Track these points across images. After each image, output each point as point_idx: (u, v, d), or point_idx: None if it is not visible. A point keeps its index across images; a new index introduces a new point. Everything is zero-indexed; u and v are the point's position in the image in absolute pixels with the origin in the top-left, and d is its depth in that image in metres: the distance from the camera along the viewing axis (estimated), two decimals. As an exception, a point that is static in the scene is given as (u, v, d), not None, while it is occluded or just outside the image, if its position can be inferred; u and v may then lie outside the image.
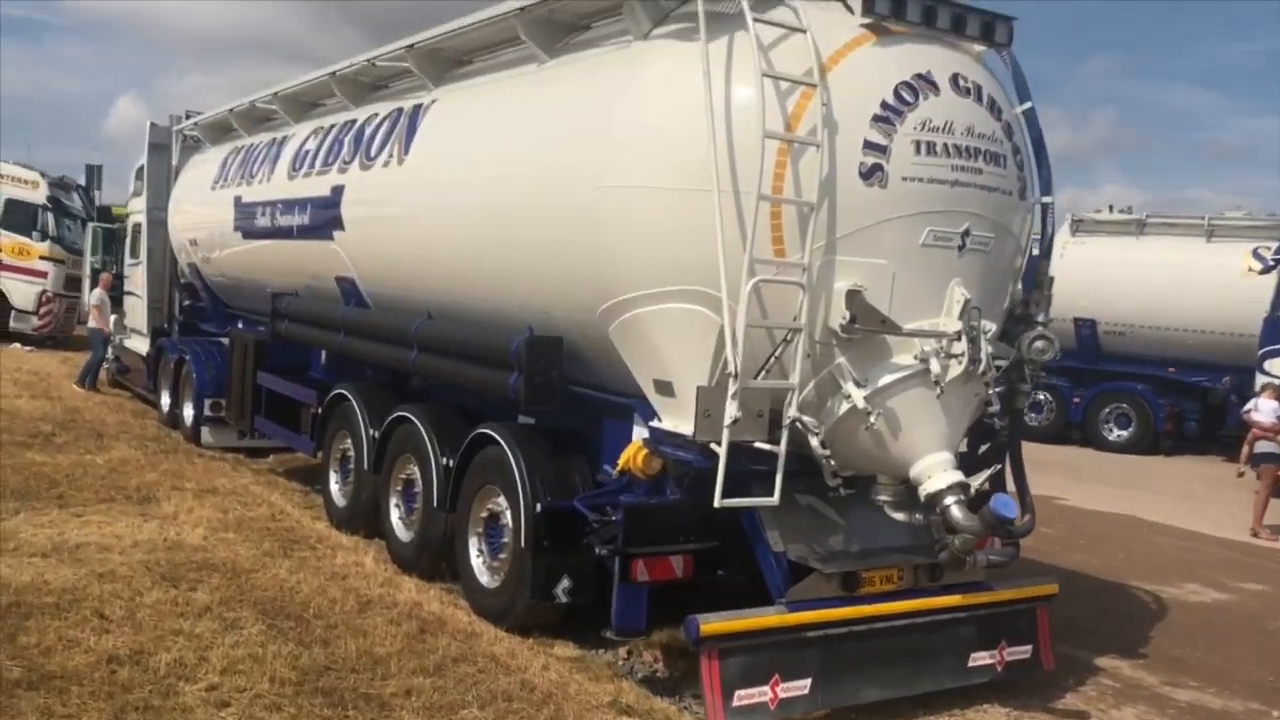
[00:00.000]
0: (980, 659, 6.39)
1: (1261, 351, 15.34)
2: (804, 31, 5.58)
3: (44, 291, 23.62)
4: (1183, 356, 18.87)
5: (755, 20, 5.48)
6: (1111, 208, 21.04)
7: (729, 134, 5.56)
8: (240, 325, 13.97)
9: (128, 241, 17.28)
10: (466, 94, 8.09)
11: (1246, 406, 13.53)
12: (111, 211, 33.28)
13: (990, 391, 6.05)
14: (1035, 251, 6.56)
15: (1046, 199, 6.55)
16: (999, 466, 6.33)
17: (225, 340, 14.08)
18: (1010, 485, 6.64)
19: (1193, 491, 15.55)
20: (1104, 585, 9.34)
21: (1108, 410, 19.62)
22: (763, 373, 5.64)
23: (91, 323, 17.42)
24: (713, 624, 5.49)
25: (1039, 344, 6.26)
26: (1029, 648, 6.59)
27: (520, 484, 6.81)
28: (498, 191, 7.17)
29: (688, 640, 5.56)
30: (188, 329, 15.38)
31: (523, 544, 6.76)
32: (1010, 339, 6.32)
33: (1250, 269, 18.02)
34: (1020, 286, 6.50)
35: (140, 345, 16.48)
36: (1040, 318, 6.43)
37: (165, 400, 14.62)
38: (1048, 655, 6.66)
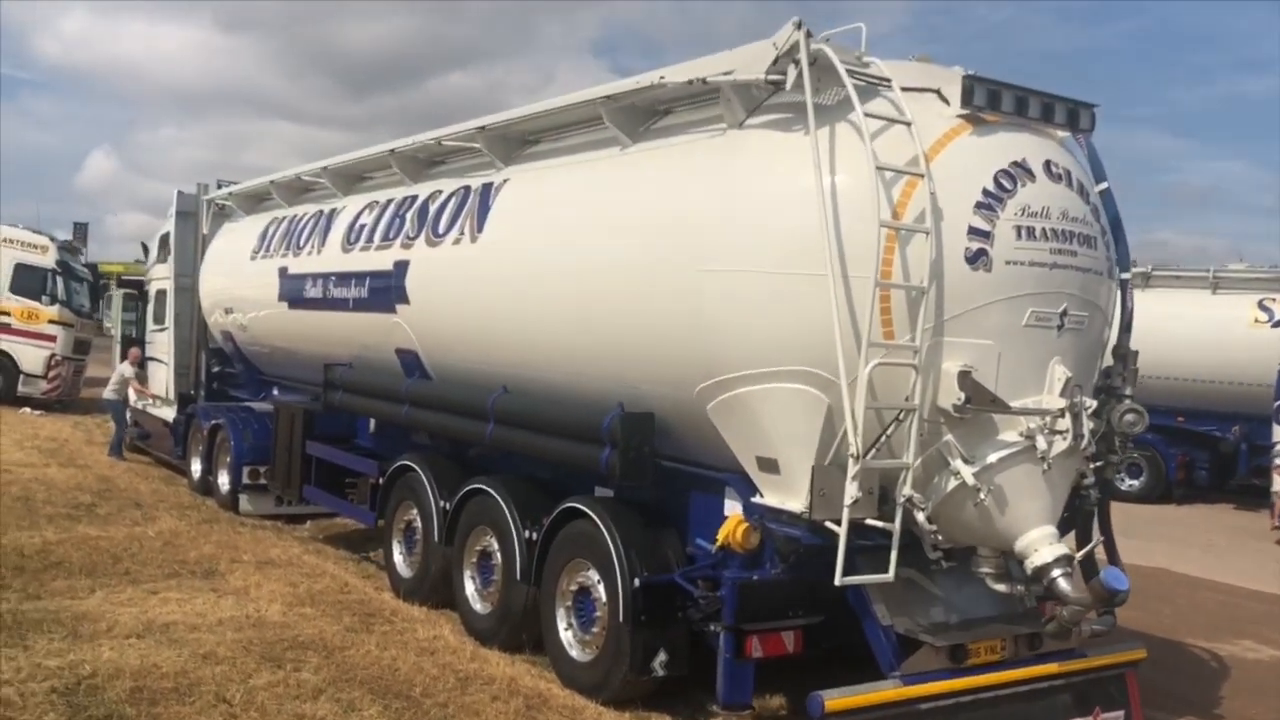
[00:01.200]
0: (1077, 725, 6.52)
1: (1278, 403, 15.64)
2: (908, 124, 5.82)
3: (53, 355, 23.62)
4: (1192, 406, 19.18)
5: (866, 115, 5.71)
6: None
7: (837, 221, 5.77)
8: (275, 392, 14.11)
9: (150, 308, 17.35)
10: (542, 174, 8.28)
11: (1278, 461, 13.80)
12: (99, 269, 33.31)
13: (1090, 465, 6.23)
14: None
15: (1125, 275, 6.79)
16: (1102, 539, 6.50)
17: (256, 406, 14.19)
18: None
19: (1215, 542, 15.77)
20: (1161, 643, 9.47)
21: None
22: (873, 451, 5.81)
23: (110, 394, 17.34)
24: (836, 700, 5.61)
25: (1130, 417, 6.48)
26: (1121, 713, 6.70)
27: (616, 559, 6.92)
28: (587, 271, 7.34)
29: (810, 715, 5.65)
30: (218, 395, 15.46)
31: (620, 619, 6.86)
32: (1098, 412, 6.51)
33: (1257, 320, 18.44)
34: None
35: (164, 411, 16.50)
36: (1127, 391, 6.64)
37: (196, 467, 14.61)
38: (1139, 720, 6.80)
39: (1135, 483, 19.79)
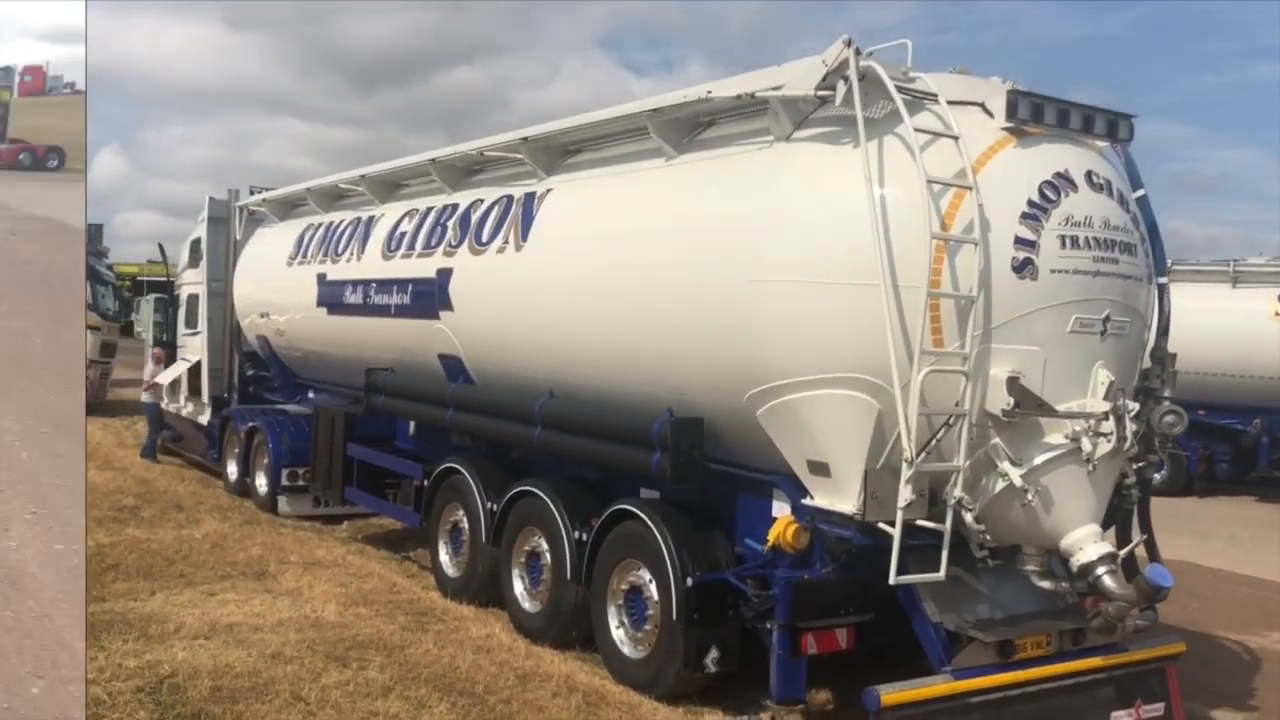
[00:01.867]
0: (1120, 718, 6.72)
1: (1299, 396, 15.79)
2: (955, 137, 6.02)
3: (81, 358, 23.90)
4: (1213, 400, 19.27)
5: (915, 130, 5.91)
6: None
7: (887, 233, 5.97)
8: (310, 395, 14.36)
9: (181, 312, 17.61)
10: (586, 184, 8.49)
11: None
12: (114, 269, 33.56)
13: (1133, 466, 6.44)
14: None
15: (1162, 280, 6.97)
16: (1144, 536, 6.70)
17: (291, 409, 14.45)
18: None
19: (1238, 535, 15.92)
20: (1191, 636, 9.62)
21: (1140, 453, 19.98)
22: (923, 454, 6.01)
23: (146, 397, 17.62)
24: (891, 694, 5.82)
25: (1169, 418, 6.68)
26: (1162, 705, 6.90)
27: (669, 559, 7.15)
28: (635, 280, 7.55)
29: (867, 709, 5.86)
30: (252, 398, 15.72)
31: (674, 617, 7.08)
32: (1138, 414, 6.70)
33: (1277, 313, 18.55)
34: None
35: (190, 407, 16.80)
36: (1166, 392, 6.83)
37: (233, 469, 14.88)
38: (1179, 712, 6.97)
39: (1156, 476, 19.90)
